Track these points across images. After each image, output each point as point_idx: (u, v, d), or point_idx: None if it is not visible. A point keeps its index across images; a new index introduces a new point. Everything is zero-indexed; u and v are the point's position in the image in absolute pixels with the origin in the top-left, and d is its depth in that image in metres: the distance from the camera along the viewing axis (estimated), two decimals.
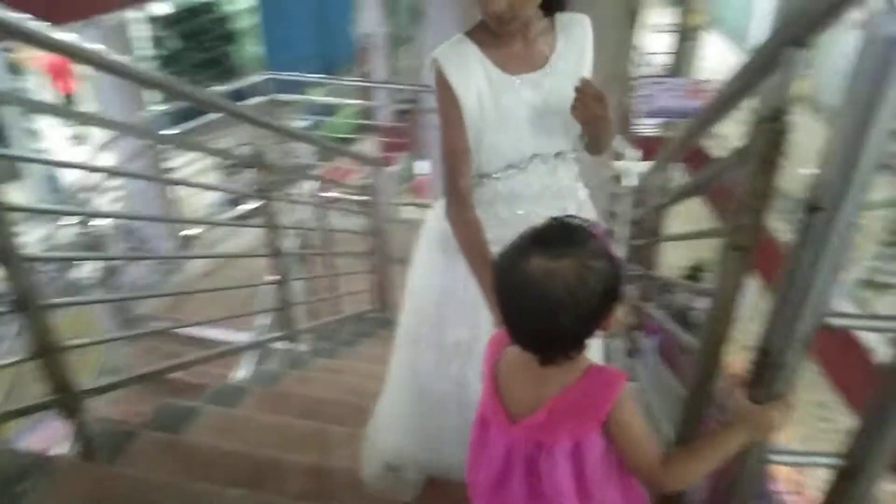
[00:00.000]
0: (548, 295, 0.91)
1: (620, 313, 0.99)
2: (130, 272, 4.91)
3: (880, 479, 0.98)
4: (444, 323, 1.61)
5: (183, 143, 4.34)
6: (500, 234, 1.41)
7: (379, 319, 4.15)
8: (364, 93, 9.76)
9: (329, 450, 2.11)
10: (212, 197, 7.04)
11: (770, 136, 1.03)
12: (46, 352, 1.64)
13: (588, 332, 0.97)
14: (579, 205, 1.59)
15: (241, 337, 3.61)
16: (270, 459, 1.92)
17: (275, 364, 3.19)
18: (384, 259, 3.99)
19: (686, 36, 10.79)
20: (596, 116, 1.36)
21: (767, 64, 1.04)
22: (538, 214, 1.23)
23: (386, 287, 4.07)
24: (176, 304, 4.67)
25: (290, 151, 6.07)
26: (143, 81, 1.91)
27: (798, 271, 0.83)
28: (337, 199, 4.13)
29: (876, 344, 6.48)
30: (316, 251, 3.78)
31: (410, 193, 8.71)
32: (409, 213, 7.54)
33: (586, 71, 1.49)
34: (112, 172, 4.10)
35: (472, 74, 1.41)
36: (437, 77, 1.41)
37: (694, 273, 9.16)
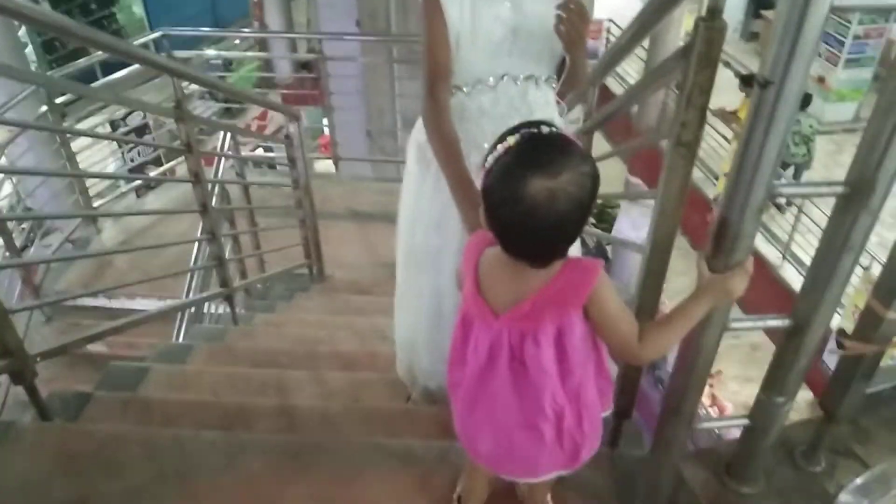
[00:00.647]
0: (555, 213, 0.95)
1: None
2: (34, 251, 4.64)
3: (821, 333, 1.12)
4: (414, 229, 1.70)
5: (103, 94, 4.04)
6: (465, 150, 1.48)
7: (312, 274, 4.14)
8: (262, 47, 9.44)
9: (290, 392, 2.14)
10: (112, 168, 6.69)
11: (708, 34, 1.12)
12: None
13: (581, 230, 1.02)
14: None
15: (165, 304, 3.53)
16: (236, 405, 1.93)
17: (213, 323, 3.15)
18: (311, 212, 3.96)
19: None
20: (580, 33, 1.45)
21: None
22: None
23: (316, 241, 4.05)
24: (93, 280, 4.47)
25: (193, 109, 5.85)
26: (50, 25, 1.79)
27: (752, 142, 0.92)
28: (260, 154, 4.03)
29: (777, 261, 7.01)
30: (240, 206, 3.70)
31: (319, 148, 8.58)
32: (322, 167, 7.47)
33: None
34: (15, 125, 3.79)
35: None
36: None
37: (601, 212, 9.55)
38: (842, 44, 8.96)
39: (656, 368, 4.95)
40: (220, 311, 3.43)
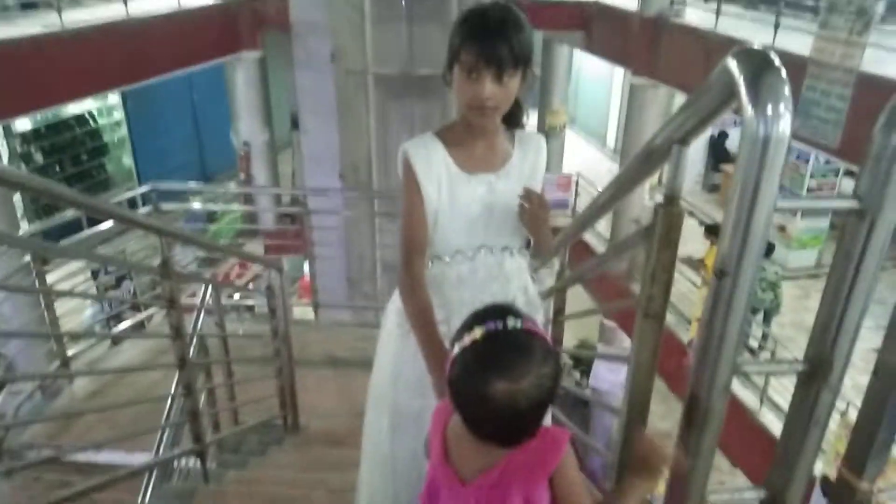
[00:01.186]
0: (516, 412, 1.00)
1: None
2: (2, 400, 4.51)
3: (840, 379, 1.12)
4: (397, 391, 1.71)
5: (85, 254, 4.11)
6: (446, 314, 1.54)
7: (286, 425, 4.05)
8: (247, 198, 9.76)
9: None
10: (90, 312, 6.67)
11: (668, 219, 1.22)
12: None
13: (543, 417, 1.08)
14: (528, 298, 1.76)
15: (136, 459, 3.39)
16: None
17: (183, 482, 3.03)
18: (289, 362, 3.94)
19: (550, 135, 11.69)
20: (539, 220, 1.60)
21: (659, 157, 1.25)
22: (482, 301, 1.38)
23: (292, 391, 4.00)
24: (59, 430, 4.31)
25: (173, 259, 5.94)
26: (37, 190, 1.88)
27: (714, 326, 0.99)
28: (239, 304, 4.07)
29: (754, 405, 7.01)
30: (218, 359, 3.67)
31: (298, 291, 8.66)
32: (300, 314, 7.50)
33: (537, 182, 1.70)
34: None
35: (435, 167, 1.58)
36: (405, 167, 1.58)
37: (577, 360, 9.62)
38: (798, 196, 9.52)
39: None
40: (191, 465, 3.31)
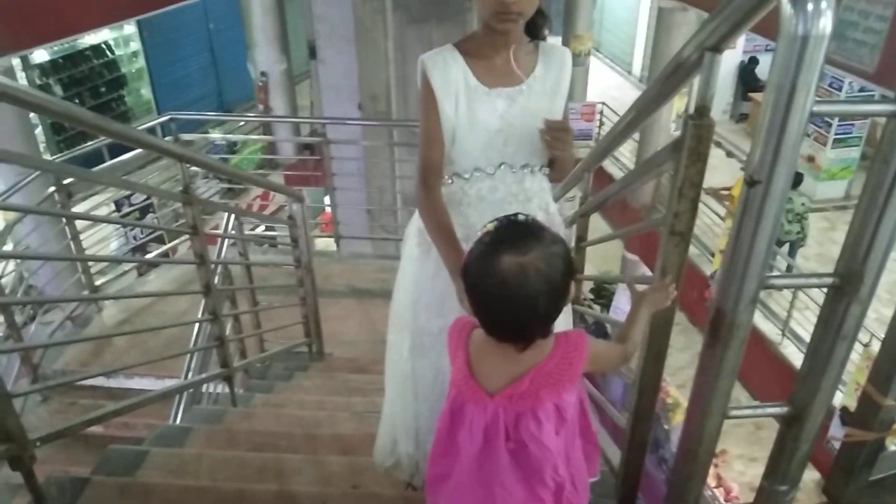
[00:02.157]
0: (525, 286, 1.02)
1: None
2: (35, 329, 4.64)
3: (821, 420, 1.13)
4: (417, 312, 1.72)
5: (108, 179, 4.14)
6: (465, 233, 1.53)
7: (311, 352, 4.13)
8: (266, 129, 9.70)
9: (289, 477, 2.11)
10: (115, 245, 6.76)
11: (698, 132, 1.18)
12: None
13: (558, 310, 1.08)
14: (548, 217, 1.72)
15: (166, 385, 3.49)
16: (234, 490, 1.90)
17: (212, 406, 3.12)
18: (312, 291, 3.99)
19: (574, 62, 11.35)
20: (562, 144, 1.55)
21: (690, 67, 1.19)
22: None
23: (316, 319, 4.06)
24: (91, 358, 4.44)
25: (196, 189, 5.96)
26: (59, 114, 1.86)
27: (742, 237, 0.96)
28: (262, 234, 4.09)
29: (776, 338, 7.02)
30: (242, 286, 3.73)
31: (320, 226, 8.70)
32: (322, 246, 7.55)
33: (560, 99, 1.65)
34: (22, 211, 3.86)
35: (452, 80, 1.54)
36: (422, 78, 1.54)
37: (599, 289, 9.63)
38: (829, 125, 9.24)
39: (660, 447, 4.86)
40: (219, 390, 3.41)
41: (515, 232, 1.07)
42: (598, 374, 4.18)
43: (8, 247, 4.11)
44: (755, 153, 0.92)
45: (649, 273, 1.38)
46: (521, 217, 1.09)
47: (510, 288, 1.02)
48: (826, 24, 0.83)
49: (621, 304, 6.79)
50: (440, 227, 1.54)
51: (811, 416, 1.12)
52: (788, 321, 6.82)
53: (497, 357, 1.13)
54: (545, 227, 1.10)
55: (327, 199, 7.32)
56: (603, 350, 1.23)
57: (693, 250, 8.20)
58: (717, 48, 1.11)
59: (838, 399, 5.17)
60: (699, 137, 1.18)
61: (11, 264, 4.55)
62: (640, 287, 1.32)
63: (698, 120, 1.16)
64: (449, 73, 1.54)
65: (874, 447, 1.21)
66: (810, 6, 0.83)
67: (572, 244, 2.63)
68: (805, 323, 6.56)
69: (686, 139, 1.18)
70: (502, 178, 1.64)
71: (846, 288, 1.01)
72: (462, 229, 1.57)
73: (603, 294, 9.45)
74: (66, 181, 4.57)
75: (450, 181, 1.64)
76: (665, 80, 1.34)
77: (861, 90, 8.97)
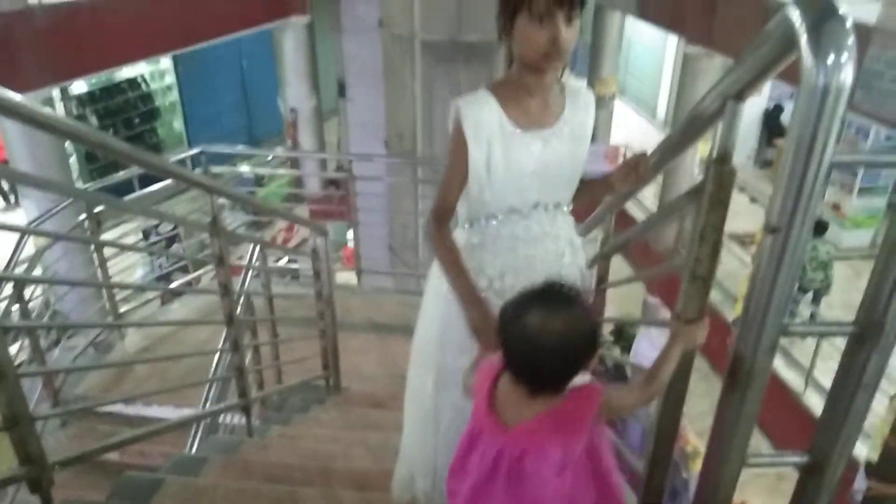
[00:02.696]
0: (543, 344, 1.12)
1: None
2: (58, 354, 4.70)
3: (841, 471, 1.11)
4: (444, 349, 1.73)
5: (140, 209, 4.23)
6: (499, 271, 1.62)
7: (329, 385, 4.13)
8: (294, 164, 9.87)
9: None
10: (140, 273, 6.88)
11: (719, 177, 1.19)
12: (17, 422, 1.61)
13: (572, 373, 1.17)
14: (574, 251, 1.76)
15: (183, 413, 3.52)
16: None
17: (228, 436, 3.13)
18: (332, 324, 4.01)
19: (598, 105, 11.43)
20: (640, 181, 1.62)
21: (712, 114, 1.21)
22: (536, 257, 1.58)
23: (335, 352, 4.07)
24: (111, 384, 4.49)
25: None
26: (97, 145, 1.92)
27: (762, 284, 0.97)
28: (285, 266, 4.14)
29: (800, 388, 6.89)
30: (264, 318, 3.76)
31: (342, 260, 8.78)
32: (343, 280, 7.60)
33: (586, 139, 1.69)
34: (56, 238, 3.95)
35: (485, 125, 1.55)
36: (455, 125, 1.56)
37: (619, 331, 9.54)
38: (855, 173, 9.17)
39: (678, 496, 4.76)
40: (236, 420, 3.42)
41: (556, 296, 1.17)
42: (616, 419, 4.13)
43: (37, 272, 4.19)
44: (776, 201, 0.93)
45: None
46: (566, 286, 1.18)
47: (530, 339, 1.13)
48: (847, 76, 0.85)
49: (642, 348, 6.72)
50: (452, 258, 1.57)
51: (831, 466, 1.11)
52: (812, 370, 6.69)
53: (516, 394, 1.20)
54: (582, 303, 1.19)
55: (350, 234, 7.41)
56: (617, 398, 1.25)
57: (715, 295, 8.11)
58: (740, 96, 1.13)
59: (864, 451, 5.04)
60: (721, 183, 1.19)
61: (39, 289, 4.64)
62: (674, 326, 1.32)
63: (720, 166, 1.17)
64: (482, 118, 1.55)
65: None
66: (831, 58, 0.84)
67: (593, 283, 2.63)
68: (829, 373, 6.42)
69: (708, 185, 1.20)
70: (537, 218, 1.67)
71: (867, 337, 1.01)
72: (493, 269, 1.63)
73: (623, 336, 9.36)
74: (96, 210, 4.69)
75: (483, 223, 1.66)
76: (688, 124, 1.36)
77: (888, 138, 8.92)
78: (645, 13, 9.85)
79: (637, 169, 1.59)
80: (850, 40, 0.85)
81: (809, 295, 7.64)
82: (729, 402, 1.07)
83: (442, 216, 1.62)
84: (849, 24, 0.85)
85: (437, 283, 1.78)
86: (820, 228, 7.61)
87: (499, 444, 1.20)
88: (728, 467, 1.14)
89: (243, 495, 2.16)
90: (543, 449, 1.16)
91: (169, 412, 4.09)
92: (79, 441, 4.08)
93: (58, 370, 4.32)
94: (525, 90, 1.58)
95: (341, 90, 9.30)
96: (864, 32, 5.89)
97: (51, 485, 1.69)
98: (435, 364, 1.77)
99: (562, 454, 1.17)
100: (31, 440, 1.64)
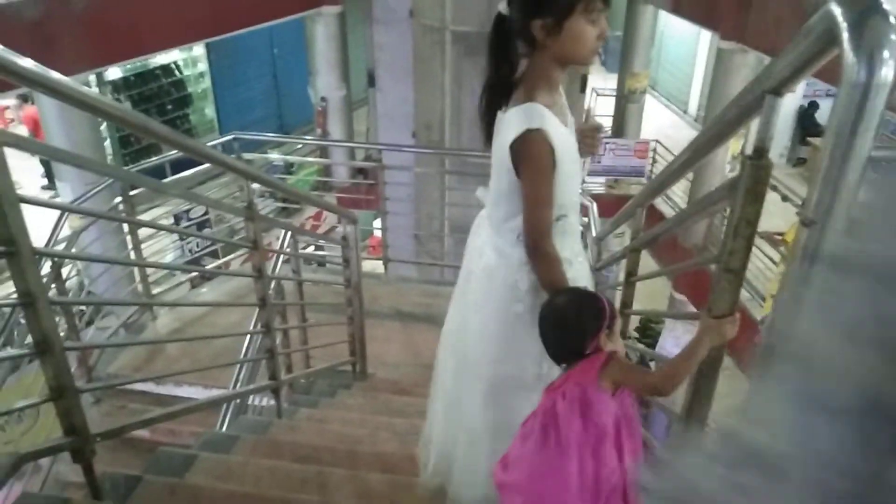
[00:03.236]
0: (551, 319, 1.44)
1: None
2: (92, 333, 4.82)
3: None
4: (518, 364, 1.72)
5: (178, 191, 4.31)
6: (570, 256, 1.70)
7: (355, 371, 4.19)
8: (323, 153, 9.95)
9: (330, 490, 2.15)
10: (170, 258, 6.99)
11: (755, 172, 1.20)
12: (63, 394, 1.67)
13: (583, 344, 1.38)
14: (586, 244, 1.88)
15: (213, 394, 3.60)
16: (278, 499, 1.95)
17: (258, 415, 3.20)
18: (360, 311, 4.06)
19: (629, 99, 11.37)
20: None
21: (750, 109, 1.22)
22: (582, 252, 1.80)
23: (362, 339, 4.13)
24: (143, 364, 4.60)
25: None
26: (137, 126, 1.97)
27: (797, 278, 0.98)
28: (315, 253, 4.19)
29: None
30: (294, 302, 3.82)
31: (368, 248, 8.85)
32: (370, 268, 7.66)
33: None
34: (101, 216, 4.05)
35: (559, 133, 1.55)
36: (543, 142, 1.50)
37: (644, 328, 9.49)
38: None
39: None
40: (265, 402, 3.49)
41: (575, 291, 1.51)
42: (641, 407, 4.13)
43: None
44: (812, 194, 0.94)
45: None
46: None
47: (544, 319, 1.45)
48: (888, 72, 0.85)
49: (667, 345, 6.69)
50: (561, 275, 1.55)
51: None
52: None
53: None
54: (584, 288, 1.56)
55: (377, 223, 7.46)
56: (629, 364, 1.44)
57: (744, 294, 8.04)
58: (778, 91, 1.14)
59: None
60: (757, 178, 1.20)
61: (74, 270, 4.76)
62: (705, 319, 1.37)
63: (757, 161, 1.18)
64: (555, 128, 1.54)
65: None
66: (873, 55, 0.85)
67: (620, 279, 2.64)
68: None
69: (743, 179, 1.21)
70: (576, 210, 1.76)
71: None
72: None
73: (648, 334, 9.32)
74: (131, 193, 4.79)
75: (560, 221, 1.64)
76: (725, 118, 1.37)
77: None
78: (678, 8, 9.74)
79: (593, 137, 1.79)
80: (894, 37, 0.85)
81: None
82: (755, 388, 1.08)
83: (547, 237, 1.55)
84: (892, 20, 0.86)
85: (513, 303, 1.68)
86: None
87: (540, 406, 1.41)
88: None
89: (274, 473, 2.22)
90: (566, 391, 1.35)
91: (199, 392, 4.19)
92: (111, 418, 4.19)
93: (98, 346, 4.44)
94: (555, 90, 1.60)
95: (371, 80, 9.34)
96: None
97: (93, 455, 1.75)
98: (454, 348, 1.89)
99: (582, 393, 1.33)
100: (76, 412, 1.71)
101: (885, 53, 0.85)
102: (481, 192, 1.85)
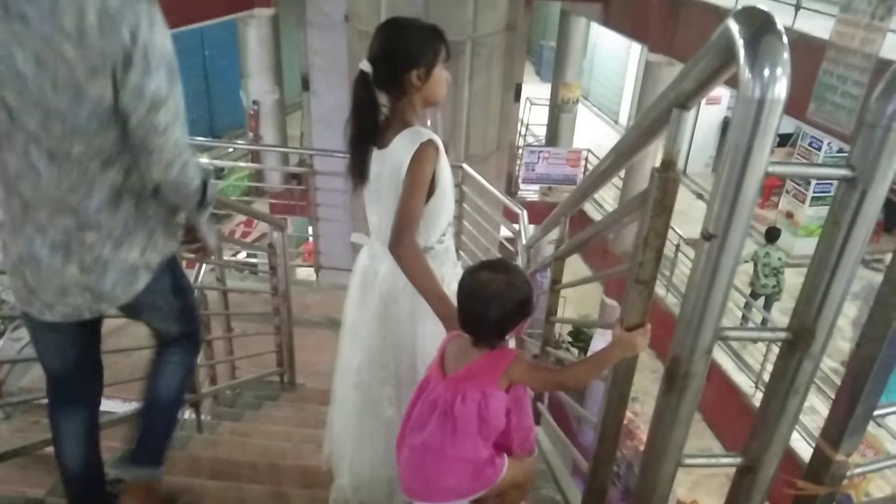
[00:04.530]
0: (485, 293, 1.42)
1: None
2: (3, 345, 4.58)
3: (774, 472, 1.15)
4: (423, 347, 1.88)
5: None
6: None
7: (283, 382, 4.09)
8: (255, 157, 9.75)
9: None
10: None
11: (663, 184, 1.22)
12: None
13: (505, 329, 1.46)
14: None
15: (133, 408, 3.44)
16: None
17: (177, 432, 3.07)
18: (288, 320, 3.97)
19: (562, 109, 11.57)
20: None
21: (660, 121, 1.24)
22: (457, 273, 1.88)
23: (290, 348, 4.04)
24: None
25: None
26: None
27: (699, 289, 0.99)
28: (242, 260, 4.08)
29: (749, 390, 7.06)
30: (217, 312, 3.70)
31: (302, 255, 8.70)
32: (304, 276, 7.53)
33: None
34: None
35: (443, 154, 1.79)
36: (435, 154, 1.75)
37: (577, 332, 9.62)
38: (808, 183, 9.44)
39: (619, 477, 4.83)
40: (187, 416, 3.36)
41: (498, 263, 1.52)
42: (573, 418, 4.18)
43: None
44: (712, 208, 0.95)
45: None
46: (505, 258, 1.36)
47: (477, 291, 1.43)
48: (781, 89, 0.87)
49: (597, 347, 6.81)
50: (429, 270, 1.70)
51: (763, 467, 1.14)
52: (762, 374, 6.87)
53: (457, 351, 1.52)
54: (520, 271, 1.52)
55: (311, 230, 7.35)
56: (533, 365, 1.56)
57: (670, 299, 8.27)
58: (685, 105, 1.15)
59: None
60: (665, 190, 1.21)
61: None
62: (617, 331, 1.42)
63: (664, 173, 1.20)
64: (438, 141, 1.77)
65: (826, 501, 1.22)
66: (766, 72, 0.87)
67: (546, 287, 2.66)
68: None
69: (652, 191, 1.22)
70: (450, 233, 1.93)
71: (799, 343, 1.04)
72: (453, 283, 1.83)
73: (581, 338, 9.47)
74: None
75: (441, 242, 1.89)
76: (638, 131, 1.39)
77: (839, 151, 9.21)
78: (609, 20, 9.98)
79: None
80: (786, 55, 0.87)
81: (761, 301, 7.85)
82: (666, 403, 1.09)
83: (413, 228, 1.71)
84: (784, 39, 0.87)
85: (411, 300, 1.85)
86: (773, 235, 7.82)
87: (437, 391, 1.49)
88: (664, 466, 1.16)
89: (189, 492, 2.13)
90: (468, 392, 1.45)
91: (117, 405, 4.00)
92: (22, 435, 3.96)
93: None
94: (423, 123, 1.84)
95: (305, 84, 9.21)
96: (818, 47, 6.07)
97: None
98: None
99: (482, 396, 1.44)
100: None
101: (779, 70, 0.87)
102: (356, 237, 2.10)
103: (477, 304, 1.43)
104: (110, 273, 1.53)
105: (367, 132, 1.85)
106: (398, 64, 1.76)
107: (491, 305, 1.41)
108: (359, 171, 1.89)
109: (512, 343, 1.80)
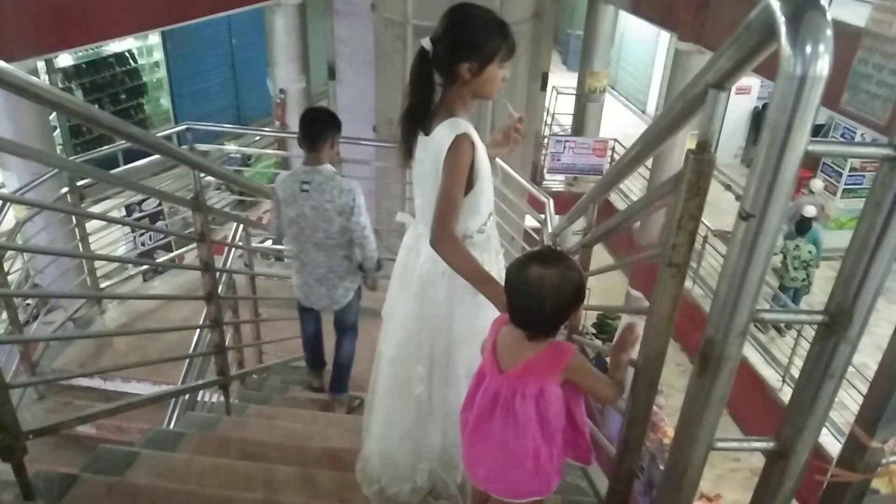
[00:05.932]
0: (540, 289, 1.41)
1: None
2: (36, 328, 4.66)
3: (806, 458, 1.14)
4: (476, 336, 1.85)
5: (123, 181, 4.17)
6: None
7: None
8: (281, 145, 9.80)
9: (276, 488, 2.11)
10: (123, 251, 6.81)
11: (698, 166, 1.20)
12: None
13: (561, 321, 1.47)
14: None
15: (163, 390, 3.50)
16: (221, 498, 1.90)
17: (206, 414, 3.13)
18: None
19: (589, 98, 11.45)
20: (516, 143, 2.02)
21: (695, 103, 1.22)
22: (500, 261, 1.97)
23: None
24: (90, 360, 4.46)
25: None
26: (80, 115, 1.89)
27: (736, 269, 0.98)
28: (269, 247, 4.13)
29: (777, 384, 6.98)
30: (245, 296, 3.75)
31: None
32: None
33: None
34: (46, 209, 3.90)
35: (479, 142, 1.81)
36: (469, 144, 1.76)
37: (602, 324, 9.59)
38: (840, 175, 9.26)
39: (653, 488, 4.81)
40: (214, 399, 3.41)
41: (547, 254, 1.49)
42: (595, 408, 4.17)
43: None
44: (750, 188, 0.94)
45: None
46: (555, 247, 1.49)
47: (530, 288, 1.41)
48: (823, 66, 0.85)
49: None
50: (472, 260, 1.72)
51: (797, 452, 1.13)
52: (789, 367, 6.78)
53: (511, 345, 1.52)
54: (570, 259, 1.50)
55: None
56: (588, 367, 1.52)
57: (697, 291, 8.19)
58: (721, 85, 1.14)
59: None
60: (699, 172, 1.20)
61: (18, 262, 4.59)
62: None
63: (699, 155, 1.18)
64: (475, 135, 1.80)
65: (859, 489, 1.21)
66: (808, 48, 0.85)
67: None
68: None
69: (686, 173, 1.21)
70: (492, 220, 1.98)
71: (835, 327, 1.02)
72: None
73: (605, 329, 9.44)
74: (79, 183, 4.63)
75: (481, 232, 1.91)
76: (671, 113, 1.37)
77: (873, 141, 9.00)
78: (638, 8, 9.85)
79: (512, 134, 1.96)
80: (829, 32, 0.85)
81: (790, 294, 7.74)
82: (699, 385, 1.08)
83: (454, 221, 1.74)
84: (828, 15, 0.86)
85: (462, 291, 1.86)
86: (803, 228, 7.70)
87: (496, 384, 1.51)
88: (696, 449, 1.16)
89: (218, 471, 2.17)
90: (525, 389, 1.47)
91: (147, 388, 4.08)
92: (56, 415, 4.05)
93: (33, 339, 4.29)
94: (469, 114, 1.86)
95: (331, 73, 9.23)
96: (853, 35, 5.94)
97: (23, 453, 1.68)
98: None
99: (540, 392, 1.46)
100: (5, 408, 1.64)
101: (821, 47, 0.85)
102: (401, 217, 2.13)
103: (532, 301, 1.41)
104: (339, 291, 3.34)
105: (418, 110, 1.86)
106: (454, 52, 1.77)
107: (547, 301, 1.40)
108: (406, 149, 1.94)
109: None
